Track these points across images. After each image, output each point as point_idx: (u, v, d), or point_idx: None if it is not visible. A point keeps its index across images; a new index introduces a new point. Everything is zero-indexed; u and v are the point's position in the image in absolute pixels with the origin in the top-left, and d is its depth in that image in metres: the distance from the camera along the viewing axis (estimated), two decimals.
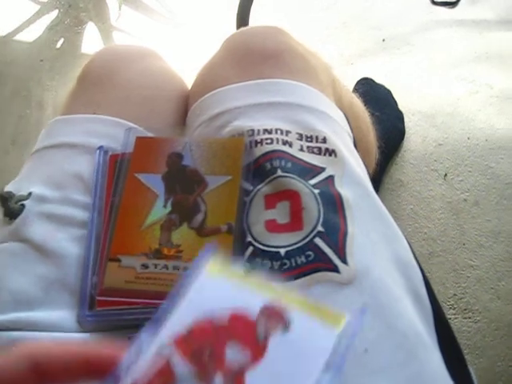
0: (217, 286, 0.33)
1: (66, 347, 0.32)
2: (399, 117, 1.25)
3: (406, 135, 1.25)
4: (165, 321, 0.32)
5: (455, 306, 1.05)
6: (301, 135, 0.49)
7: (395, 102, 1.27)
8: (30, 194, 0.51)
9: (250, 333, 0.32)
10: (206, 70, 0.58)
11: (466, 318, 1.04)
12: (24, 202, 0.50)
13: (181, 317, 0.32)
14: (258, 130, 0.48)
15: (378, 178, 1.15)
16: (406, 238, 0.49)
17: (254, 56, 0.54)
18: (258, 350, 0.31)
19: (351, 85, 1.31)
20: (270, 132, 0.48)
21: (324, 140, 0.49)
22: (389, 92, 1.28)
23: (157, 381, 0.30)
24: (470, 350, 1.00)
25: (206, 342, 0.31)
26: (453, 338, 0.46)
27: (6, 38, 1.61)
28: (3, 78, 1.53)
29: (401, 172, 1.21)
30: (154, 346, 0.31)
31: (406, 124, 1.26)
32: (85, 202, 0.51)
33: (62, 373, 0.31)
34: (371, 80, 1.30)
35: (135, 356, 0.30)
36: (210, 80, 0.53)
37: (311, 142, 0.49)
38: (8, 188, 0.53)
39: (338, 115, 0.54)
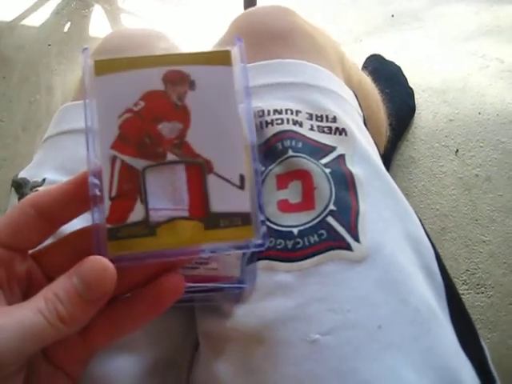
0: (115, 81, 0.36)
1: (58, 188, 0.35)
2: (409, 93, 1.24)
3: (416, 111, 1.24)
4: (92, 138, 0.34)
5: (468, 282, 1.05)
6: (311, 115, 0.49)
7: (405, 78, 1.26)
8: (44, 180, 0.51)
9: (167, 103, 0.35)
10: (219, 47, 0.58)
11: (478, 293, 1.04)
12: (38, 188, 0.51)
13: (103, 125, 0.35)
14: (268, 111, 0.48)
15: (388, 156, 1.15)
16: (417, 215, 0.49)
17: (263, 36, 0.54)
18: (182, 115, 0.35)
19: (360, 62, 1.30)
20: (280, 112, 0.48)
21: (334, 119, 0.49)
22: (399, 69, 1.27)
23: (124, 184, 0.34)
24: (483, 325, 1.01)
25: (140, 132, 0.35)
26: (465, 312, 0.46)
27: (13, 23, 1.61)
28: (12, 64, 1.53)
29: (412, 149, 1.21)
30: (101, 158, 0.34)
31: (416, 100, 1.25)
32: None
33: (63, 212, 0.36)
34: (381, 57, 1.29)
35: (93, 167, 0.34)
36: None
37: (321, 121, 0.49)
38: (22, 174, 0.54)
39: (348, 94, 0.54)
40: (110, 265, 0.32)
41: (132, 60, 0.36)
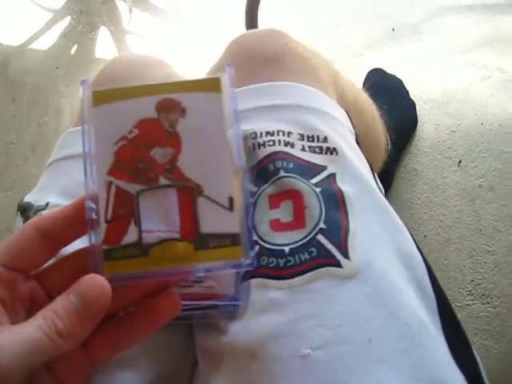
0: (111, 111, 0.38)
1: (60, 212, 0.38)
2: (411, 106, 1.25)
3: (418, 124, 1.25)
4: (89, 165, 0.37)
5: (473, 292, 1.06)
6: (302, 135, 0.50)
7: (407, 91, 1.27)
8: (47, 204, 0.53)
9: (160, 130, 0.37)
10: (211, 74, 0.60)
11: (484, 304, 1.04)
12: (42, 212, 0.53)
13: (100, 152, 0.37)
14: (261, 133, 0.50)
15: (391, 168, 1.16)
16: (409, 230, 0.50)
17: (256, 60, 0.56)
18: (174, 141, 0.37)
19: (361, 76, 1.31)
20: (272, 134, 0.50)
21: (325, 139, 0.50)
22: (400, 82, 1.29)
23: (119, 208, 0.36)
24: (490, 336, 1.01)
25: (134, 159, 0.37)
26: (458, 325, 0.47)
27: (21, 47, 1.64)
28: (21, 87, 1.56)
29: (415, 161, 1.22)
30: (97, 183, 0.36)
31: (418, 112, 1.26)
32: None
33: (64, 234, 0.38)
34: (382, 70, 1.31)
35: (90, 192, 0.36)
36: None
37: (312, 141, 0.50)
38: (27, 199, 0.56)
39: (340, 113, 0.55)
40: (105, 282, 0.33)
41: (127, 90, 0.38)
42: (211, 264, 0.35)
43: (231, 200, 0.36)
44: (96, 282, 0.33)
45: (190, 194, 0.36)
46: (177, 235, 0.36)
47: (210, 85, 0.38)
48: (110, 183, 0.36)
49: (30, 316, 0.35)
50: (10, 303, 0.37)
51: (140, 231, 0.36)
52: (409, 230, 0.50)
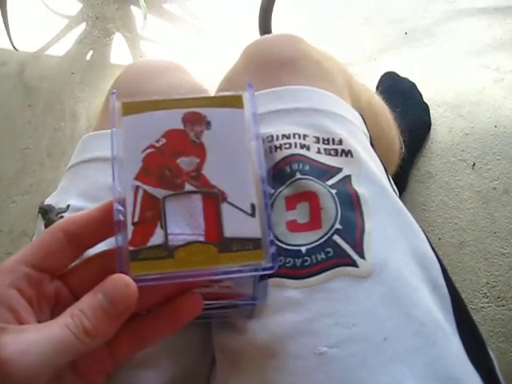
0: (139, 121, 0.40)
1: (86, 215, 0.39)
2: (424, 109, 1.26)
3: (432, 127, 1.26)
4: (117, 169, 0.39)
5: (488, 295, 1.06)
6: (318, 138, 0.51)
7: (420, 94, 1.28)
8: (68, 206, 0.54)
9: (186, 140, 0.40)
10: (226, 79, 0.61)
11: (499, 306, 1.04)
12: (63, 214, 0.54)
13: (128, 158, 0.39)
14: (277, 136, 0.51)
15: (406, 171, 1.17)
16: (424, 231, 0.51)
17: (271, 65, 0.57)
18: (199, 151, 0.40)
19: (375, 80, 1.32)
20: (288, 137, 0.51)
21: (340, 142, 0.51)
22: (413, 85, 1.29)
23: (146, 211, 0.38)
24: (505, 338, 1.01)
25: (161, 165, 0.39)
26: (472, 324, 0.47)
27: (37, 53, 1.67)
28: (37, 93, 1.58)
29: (429, 164, 1.22)
30: (125, 187, 0.38)
31: (431, 116, 1.27)
32: None
33: (91, 237, 0.39)
34: (395, 74, 1.31)
35: (118, 195, 0.38)
36: (230, 89, 0.56)
37: (328, 144, 0.51)
38: (48, 201, 0.57)
39: (355, 116, 0.56)
40: (132, 282, 0.35)
41: (155, 102, 0.41)
42: (234, 267, 0.37)
43: (253, 206, 0.38)
44: (122, 281, 0.35)
45: (214, 199, 0.38)
46: (202, 238, 0.37)
47: (232, 101, 0.41)
48: (137, 187, 0.38)
49: (54, 315, 0.36)
50: (37, 302, 0.38)
51: (166, 234, 0.37)
52: (423, 231, 0.51)
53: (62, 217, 0.54)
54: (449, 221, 1.14)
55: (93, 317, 0.34)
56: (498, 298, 1.05)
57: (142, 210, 0.37)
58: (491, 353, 0.47)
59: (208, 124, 0.40)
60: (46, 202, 0.57)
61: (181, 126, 0.40)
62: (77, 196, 0.55)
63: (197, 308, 0.38)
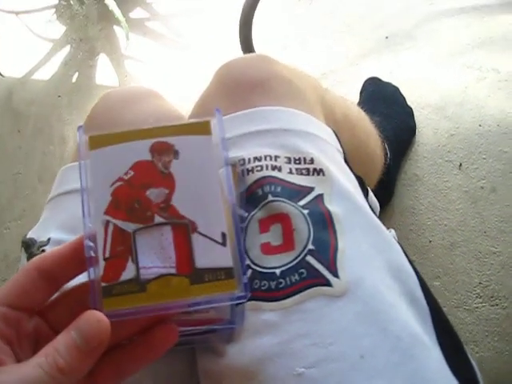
0: (107, 154, 0.40)
1: (57, 252, 0.39)
2: (409, 113, 1.26)
3: (417, 129, 1.26)
4: (87, 206, 0.39)
5: (481, 295, 1.06)
6: (289, 158, 0.52)
7: (404, 98, 1.28)
8: (48, 239, 0.55)
9: (155, 171, 0.40)
10: (199, 103, 0.62)
11: (493, 306, 1.04)
12: (44, 248, 0.55)
13: (97, 192, 0.39)
14: (249, 159, 0.51)
15: (393, 175, 1.17)
16: (400, 244, 0.51)
17: (242, 86, 0.57)
18: (168, 181, 0.39)
19: (358, 85, 1.32)
20: (259, 159, 0.51)
21: (312, 161, 0.52)
22: (396, 89, 1.30)
23: (117, 246, 0.38)
24: (500, 337, 1.01)
25: (130, 198, 0.39)
26: (453, 334, 0.48)
27: (23, 78, 1.68)
28: (25, 118, 1.59)
29: (415, 166, 1.22)
30: (95, 222, 0.38)
31: (416, 118, 1.27)
32: None
33: (64, 273, 0.40)
34: (377, 79, 1.32)
35: (88, 231, 0.38)
36: (203, 113, 0.57)
37: (299, 163, 0.51)
38: (30, 235, 0.58)
39: (327, 133, 0.56)
40: (104, 318, 0.35)
41: (122, 134, 0.41)
42: (207, 297, 0.37)
43: (224, 235, 0.38)
44: (95, 317, 0.35)
45: (184, 230, 0.38)
46: (173, 270, 0.37)
47: (200, 128, 0.41)
48: (107, 222, 0.38)
49: (36, 351, 0.37)
50: (17, 341, 0.38)
51: (138, 268, 0.37)
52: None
53: (43, 250, 0.55)
54: (438, 223, 1.15)
55: (66, 354, 0.35)
56: (492, 297, 1.05)
57: (112, 245, 0.38)
58: (472, 360, 0.48)
59: (176, 153, 0.40)
60: (28, 236, 0.58)
61: (149, 157, 0.40)
62: (56, 228, 0.55)
63: (171, 338, 0.38)
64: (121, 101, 0.64)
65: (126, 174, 0.39)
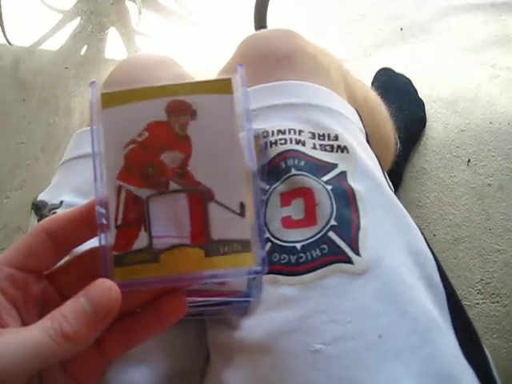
0: (120, 113, 0.37)
1: (68, 214, 0.38)
2: (420, 105, 1.25)
3: (427, 123, 1.25)
4: (99, 169, 0.36)
5: (483, 291, 1.06)
6: (313, 134, 0.51)
7: (415, 90, 1.28)
8: (61, 202, 0.54)
9: (170, 133, 0.36)
10: (222, 74, 0.60)
11: (494, 303, 1.04)
12: (56, 210, 0.54)
13: (109, 156, 0.36)
14: (272, 132, 0.51)
15: (401, 167, 1.16)
16: (419, 227, 0.50)
17: (267, 59, 0.56)
18: (184, 144, 0.36)
19: (370, 76, 1.31)
20: (283, 132, 0.50)
21: (336, 137, 0.51)
22: (409, 81, 1.29)
23: (130, 213, 0.36)
24: (500, 335, 1.01)
25: (144, 162, 0.36)
26: (467, 321, 0.47)
27: (31, 47, 1.66)
28: (31, 87, 1.58)
29: (424, 160, 1.22)
30: (107, 187, 0.36)
31: (427, 112, 1.26)
32: None
33: (73, 237, 0.38)
34: (390, 70, 1.31)
35: (100, 197, 0.36)
36: None
37: (323, 140, 0.51)
38: (41, 197, 0.56)
39: (350, 112, 0.56)
40: (116, 287, 0.34)
41: (137, 92, 0.37)
42: (221, 270, 0.35)
43: (242, 206, 0.35)
44: (106, 285, 0.34)
45: (200, 198, 0.36)
46: (187, 241, 0.35)
47: (221, 86, 0.37)
48: (120, 187, 0.36)
49: (42, 316, 0.36)
50: (23, 304, 0.37)
51: (150, 237, 0.35)
52: (418, 227, 0.51)
53: (54, 213, 0.54)
54: (443, 217, 1.14)
55: (74, 321, 0.33)
56: (493, 294, 1.05)
57: (125, 212, 0.36)
58: (486, 350, 0.47)
59: (194, 113, 0.36)
60: (38, 198, 0.57)
61: (164, 117, 0.37)
62: (70, 192, 0.54)
63: (181, 311, 0.37)
64: (140, 66, 0.63)
65: (139, 135, 0.36)
